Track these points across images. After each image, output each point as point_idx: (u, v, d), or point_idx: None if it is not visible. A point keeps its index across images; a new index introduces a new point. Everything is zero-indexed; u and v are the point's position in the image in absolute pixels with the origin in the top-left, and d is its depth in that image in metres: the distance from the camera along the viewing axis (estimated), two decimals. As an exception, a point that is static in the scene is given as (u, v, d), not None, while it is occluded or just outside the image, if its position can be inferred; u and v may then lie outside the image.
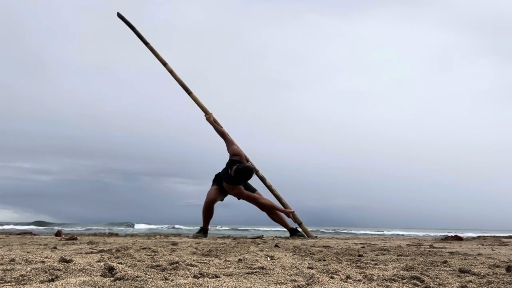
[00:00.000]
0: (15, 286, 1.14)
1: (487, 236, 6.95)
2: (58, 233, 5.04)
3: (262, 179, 5.09)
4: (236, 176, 4.59)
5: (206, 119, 5.08)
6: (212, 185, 4.95)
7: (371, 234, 16.05)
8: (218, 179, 4.91)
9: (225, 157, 4.89)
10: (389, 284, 1.33)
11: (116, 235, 5.26)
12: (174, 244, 3.08)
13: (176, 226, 25.73)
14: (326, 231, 19.22)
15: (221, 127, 5.03)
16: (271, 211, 4.91)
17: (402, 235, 16.04)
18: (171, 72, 5.32)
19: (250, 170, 4.62)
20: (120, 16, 5.47)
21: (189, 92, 5.22)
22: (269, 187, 5.09)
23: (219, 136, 5.00)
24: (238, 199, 4.86)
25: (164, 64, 5.36)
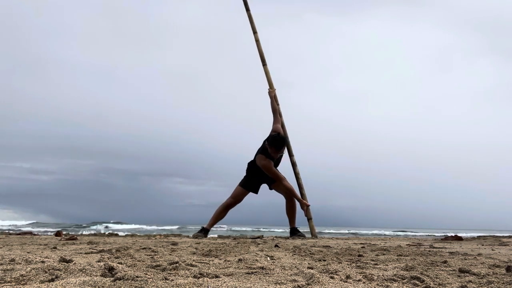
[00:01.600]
0: (15, 286, 1.14)
1: (487, 236, 6.95)
2: (58, 233, 5.04)
3: (294, 164, 5.15)
4: (271, 142, 4.67)
5: (269, 92, 5.33)
6: (242, 181, 4.96)
7: (371, 234, 16.06)
8: (251, 168, 4.93)
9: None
10: (389, 284, 1.33)
11: (116, 235, 5.26)
12: (174, 244, 3.08)
13: (152, 226, 24.46)
14: (329, 231, 19.20)
15: (278, 104, 5.24)
16: (290, 200, 4.93)
17: (402, 235, 16.04)
18: (257, 41, 5.58)
19: (284, 138, 4.77)
20: None
21: (264, 64, 5.48)
22: (297, 174, 5.15)
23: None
24: (269, 174, 4.81)
25: (254, 32, 5.62)
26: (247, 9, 5.68)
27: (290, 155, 5.13)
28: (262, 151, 4.80)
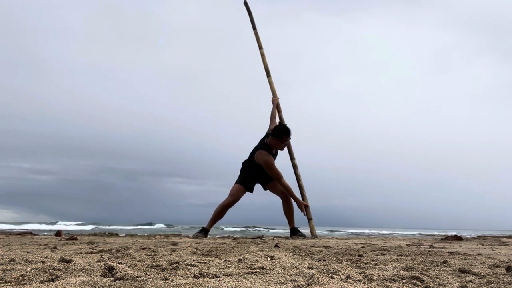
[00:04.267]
0: (15, 286, 1.14)
1: (487, 236, 6.94)
2: (58, 233, 5.04)
3: (295, 167, 5.17)
4: (276, 133, 4.67)
5: (272, 100, 5.42)
6: (238, 179, 4.94)
7: (371, 234, 16.05)
8: (246, 167, 4.90)
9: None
10: (389, 284, 1.33)
11: (116, 235, 5.26)
12: (174, 244, 3.08)
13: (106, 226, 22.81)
14: (329, 231, 19.18)
15: (280, 112, 5.39)
16: (286, 200, 4.91)
17: (402, 235, 16.02)
18: (262, 55, 5.74)
19: (288, 127, 4.78)
20: (246, 4, 6.02)
21: (268, 75, 5.66)
22: (298, 176, 5.17)
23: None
24: (269, 172, 4.70)
25: (260, 47, 5.80)
26: (254, 28, 5.90)
27: (292, 158, 5.13)
28: (262, 147, 4.75)
